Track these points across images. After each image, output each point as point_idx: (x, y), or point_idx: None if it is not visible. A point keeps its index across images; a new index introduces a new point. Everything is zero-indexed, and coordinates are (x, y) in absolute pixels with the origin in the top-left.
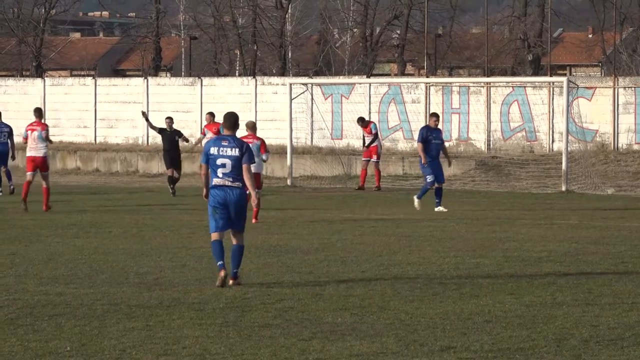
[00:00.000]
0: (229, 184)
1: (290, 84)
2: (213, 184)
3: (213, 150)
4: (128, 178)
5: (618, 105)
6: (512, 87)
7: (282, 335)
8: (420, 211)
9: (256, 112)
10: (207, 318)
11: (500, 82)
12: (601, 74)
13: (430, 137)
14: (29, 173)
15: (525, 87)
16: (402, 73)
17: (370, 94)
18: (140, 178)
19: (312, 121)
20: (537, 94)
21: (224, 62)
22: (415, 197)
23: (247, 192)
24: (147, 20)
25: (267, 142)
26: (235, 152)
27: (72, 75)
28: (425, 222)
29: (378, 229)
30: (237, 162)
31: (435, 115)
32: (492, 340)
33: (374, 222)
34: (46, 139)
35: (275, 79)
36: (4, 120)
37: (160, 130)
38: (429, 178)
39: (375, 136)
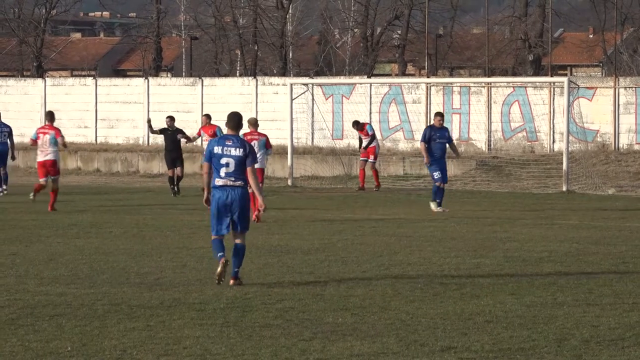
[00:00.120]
0: (231, 183)
1: (291, 84)
2: (215, 184)
3: (217, 150)
4: (129, 178)
5: (619, 105)
6: (513, 87)
7: (282, 335)
8: (421, 211)
9: (257, 112)
10: (208, 318)
11: (501, 82)
12: (602, 74)
13: (434, 136)
14: (42, 179)
15: (526, 87)
16: (403, 73)
17: (371, 94)
18: (141, 178)
19: (312, 121)
20: (538, 94)
21: (225, 63)
22: (430, 202)
23: (250, 191)
24: (148, 20)
25: None
26: (239, 152)
27: (72, 76)
28: (426, 223)
29: (379, 229)
30: (240, 162)
31: (439, 114)
32: (492, 341)
33: (375, 223)
34: (63, 145)
35: (276, 79)
36: (3, 120)
37: (162, 131)
38: (436, 175)
39: (373, 137)
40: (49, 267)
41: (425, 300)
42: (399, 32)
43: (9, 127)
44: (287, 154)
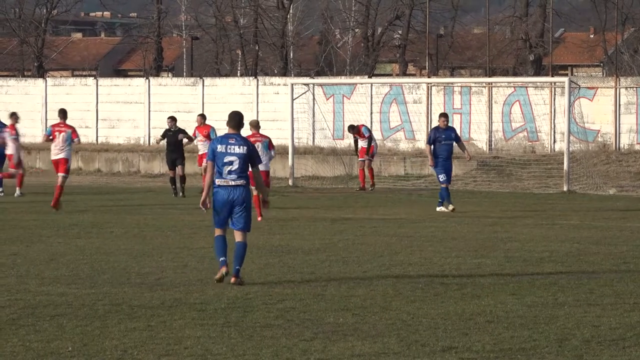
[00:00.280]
0: (233, 183)
1: (292, 84)
2: (217, 184)
3: (220, 149)
4: (130, 178)
5: (620, 105)
6: (514, 87)
7: (283, 335)
8: (422, 211)
9: (258, 112)
10: (209, 318)
11: (502, 82)
12: (603, 74)
13: (440, 138)
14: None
15: (526, 87)
16: (404, 73)
17: (371, 94)
18: (141, 178)
19: (313, 121)
20: (539, 94)
21: (226, 63)
22: (439, 207)
23: (255, 193)
24: (149, 20)
25: None
26: (242, 149)
27: (73, 76)
28: (427, 223)
29: (380, 229)
30: (244, 160)
31: (444, 115)
32: (493, 341)
33: (376, 223)
34: (78, 142)
35: (276, 79)
36: (3, 120)
37: (164, 134)
38: (441, 178)
39: (370, 138)
40: (50, 267)
41: (426, 300)
42: (400, 32)
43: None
44: (288, 154)
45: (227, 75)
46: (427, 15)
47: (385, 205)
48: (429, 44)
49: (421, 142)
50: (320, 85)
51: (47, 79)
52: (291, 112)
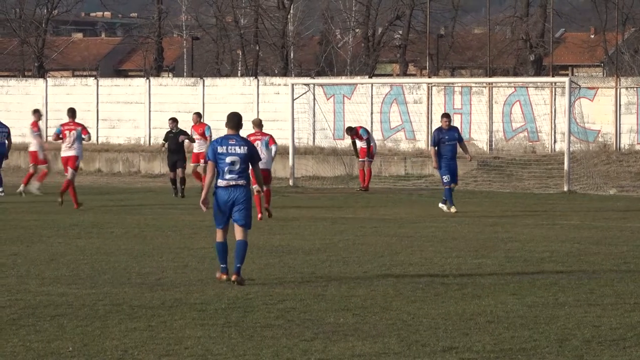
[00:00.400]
0: (234, 183)
1: (292, 84)
2: (218, 185)
3: (221, 149)
4: (130, 178)
5: (620, 105)
6: (514, 87)
7: (284, 335)
8: (422, 211)
9: (258, 112)
10: (209, 318)
11: (503, 82)
12: (603, 75)
13: (443, 138)
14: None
15: (527, 87)
16: (404, 73)
17: (372, 94)
18: (142, 178)
19: (314, 121)
20: (539, 94)
21: (226, 63)
22: (441, 205)
23: (256, 192)
24: (149, 20)
25: None
26: (243, 149)
27: (74, 76)
28: (428, 223)
29: (380, 229)
30: (245, 160)
31: (445, 115)
32: (494, 341)
33: (376, 223)
34: (88, 138)
35: (277, 79)
36: (3, 120)
37: (166, 136)
38: (445, 179)
39: (369, 139)
40: (50, 267)
41: (427, 300)
42: (400, 32)
43: (7, 127)
44: (288, 154)
45: (227, 76)
46: (428, 15)
47: (385, 205)
48: (429, 44)
49: (421, 142)
50: (321, 85)
51: (47, 79)
52: (292, 112)
